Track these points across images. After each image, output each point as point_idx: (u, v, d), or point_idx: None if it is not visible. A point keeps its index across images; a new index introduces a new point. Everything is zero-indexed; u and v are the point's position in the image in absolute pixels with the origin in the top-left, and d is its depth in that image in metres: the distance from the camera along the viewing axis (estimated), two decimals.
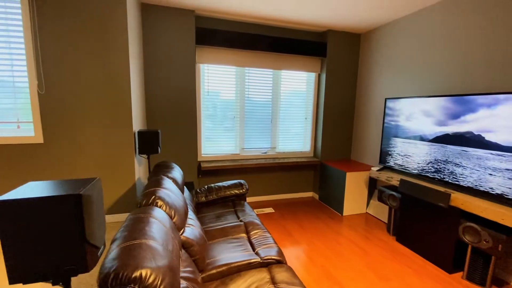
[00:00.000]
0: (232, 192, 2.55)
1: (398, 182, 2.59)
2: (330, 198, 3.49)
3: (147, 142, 2.32)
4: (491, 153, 1.92)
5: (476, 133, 2.01)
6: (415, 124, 2.53)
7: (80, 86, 2.29)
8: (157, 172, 1.97)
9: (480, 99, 1.98)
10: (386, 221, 3.08)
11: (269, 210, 3.37)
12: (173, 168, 2.11)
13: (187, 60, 2.99)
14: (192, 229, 1.59)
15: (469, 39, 2.28)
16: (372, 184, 3.38)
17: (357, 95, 3.71)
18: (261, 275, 1.44)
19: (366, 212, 3.39)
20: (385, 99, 2.85)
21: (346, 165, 3.47)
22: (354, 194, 3.27)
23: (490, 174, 1.92)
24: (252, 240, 1.82)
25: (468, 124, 2.07)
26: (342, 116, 3.74)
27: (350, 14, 2.87)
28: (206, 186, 2.59)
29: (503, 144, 1.85)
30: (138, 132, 2.40)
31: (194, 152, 3.19)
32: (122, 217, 2.73)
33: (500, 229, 1.85)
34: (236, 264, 1.49)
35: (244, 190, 2.58)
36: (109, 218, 2.67)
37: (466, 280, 2.07)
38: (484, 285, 1.97)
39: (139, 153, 2.36)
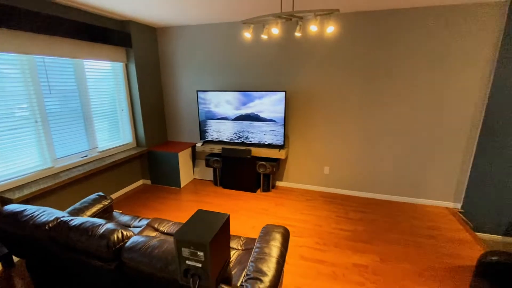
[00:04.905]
0: (98, 207, 2.32)
1: (220, 150, 3.77)
2: (165, 178, 4.00)
3: None
4: (263, 123, 3.59)
5: (256, 113, 3.58)
6: (221, 109, 3.72)
7: None
8: (25, 224, 1.47)
9: (255, 94, 3.52)
10: (211, 179, 4.28)
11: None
12: (37, 208, 1.62)
13: None
14: None
15: (241, 52, 3.70)
16: (194, 155, 4.34)
17: (164, 85, 4.21)
18: None
19: (194, 178, 4.36)
20: (197, 91, 3.73)
21: (170, 146, 4.06)
22: (185, 167, 4.06)
23: (264, 134, 3.63)
24: (167, 232, 2.12)
25: (251, 108, 3.58)
26: (156, 104, 4.10)
27: (145, 9, 3.06)
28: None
29: (267, 118, 3.55)
30: None
31: None
32: None
33: (273, 160, 3.67)
34: None
35: (109, 201, 2.44)
36: None
37: (262, 192, 3.84)
38: (269, 190, 3.84)
39: None
